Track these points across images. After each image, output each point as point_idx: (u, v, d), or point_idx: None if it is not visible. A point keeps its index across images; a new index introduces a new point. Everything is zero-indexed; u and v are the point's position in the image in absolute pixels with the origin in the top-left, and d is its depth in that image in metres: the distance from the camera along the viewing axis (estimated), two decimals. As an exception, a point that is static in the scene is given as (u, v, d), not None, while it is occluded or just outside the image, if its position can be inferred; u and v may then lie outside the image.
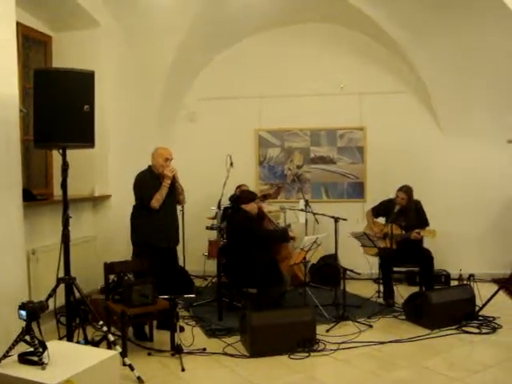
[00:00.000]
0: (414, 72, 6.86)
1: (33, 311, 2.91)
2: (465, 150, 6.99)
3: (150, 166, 4.96)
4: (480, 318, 5.01)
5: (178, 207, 5.38)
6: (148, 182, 4.84)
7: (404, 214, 5.84)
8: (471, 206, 6.96)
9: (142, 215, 4.87)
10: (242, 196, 5.58)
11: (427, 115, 7.12)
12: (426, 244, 5.95)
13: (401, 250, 5.75)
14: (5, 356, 2.88)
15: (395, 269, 5.96)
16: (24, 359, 2.87)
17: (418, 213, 5.92)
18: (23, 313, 2.90)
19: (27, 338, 2.90)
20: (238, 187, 6.66)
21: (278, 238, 5.47)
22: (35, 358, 2.81)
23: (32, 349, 2.86)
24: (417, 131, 7.13)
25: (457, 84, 6.68)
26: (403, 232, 5.80)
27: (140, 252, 4.82)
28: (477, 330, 4.77)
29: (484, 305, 5.09)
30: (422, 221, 5.87)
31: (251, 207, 5.35)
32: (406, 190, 5.88)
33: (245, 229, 5.22)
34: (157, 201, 4.76)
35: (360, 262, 6.08)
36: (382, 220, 6.16)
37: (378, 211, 6.17)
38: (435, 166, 7.05)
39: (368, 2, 6.18)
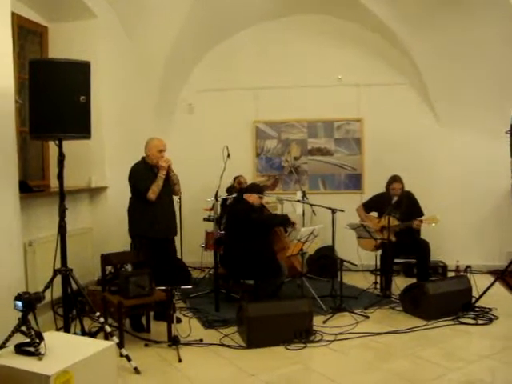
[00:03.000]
0: (412, 64, 6.84)
1: (29, 302, 2.91)
2: (462, 141, 6.99)
3: (143, 158, 4.94)
4: (476, 309, 5.03)
5: (175, 198, 5.37)
6: (143, 173, 4.82)
7: (397, 205, 5.84)
8: (468, 197, 6.97)
9: (138, 208, 4.85)
10: (251, 187, 5.55)
11: (425, 107, 7.11)
12: (424, 235, 5.95)
13: (399, 242, 5.76)
14: (1, 347, 2.88)
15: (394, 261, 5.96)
16: (20, 350, 2.86)
17: (412, 203, 5.93)
18: (19, 303, 2.90)
19: (24, 328, 2.90)
20: (236, 178, 6.66)
21: (281, 222, 5.48)
22: (32, 349, 2.81)
23: (28, 340, 2.86)
24: (414, 123, 7.12)
25: (454, 75, 6.67)
26: (400, 223, 5.81)
27: (139, 244, 4.81)
28: (473, 321, 4.78)
29: (480, 296, 5.10)
30: (416, 211, 5.88)
31: (254, 199, 5.33)
32: (399, 178, 5.93)
33: (247, 215, 5.20)
34: (153, 192, 4.74)
35: (357, 253, 6.08)
36: (374, 214, 6.16)
37: (369, 206, 6.18)
38: (433, 158, 7.06)
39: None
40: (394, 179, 5.94)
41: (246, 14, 6.94)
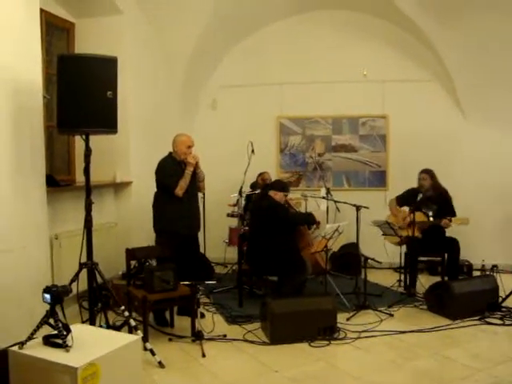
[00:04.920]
0: (438, 60, 6.76)
1: (57, 295, 2.94)
2: (488, 138, 6.89)
3: (170, 153, 4.94)
4: (503, 309, 4.95)
5: (200, 194, 5.38)
6: (171, 168, 4.82)
7: (431, 201, 5.75)
8: (495, 195, 6.87)
9: (164, 203, 4.86)
10: (276, 184, 5.54)
11: (451, 103, 7.03)
12: (449, 234, 5.87)
13: (426, 239, 5.68)
14: (29, 338, 2.91)
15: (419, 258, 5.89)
16: (48, 341, 2.89)
17: (446, 202, 5.81)
18: (47, 296, 2.93)
19: (51, 321, 2.93)
20: (260, 174, 6.66)
21: (306, 221, 5.47)
22: (59, 341, 2.84)
23: (56, 332, 2.89)
24: (440, 119, 7.04)
25: (481, 72, 6.58)
26: (430, 219, 5.70)
27: (163, 240, 4.82)
28: (500, 322, 4.71)
29: (507, 296, 5.01)
30: (448, 211, 5.76)
31: (280, 197, 5.32)
32: (427, 170, 5.84)
33: (274, 212, 5.19)
34: (181, 188, 4.75)
35: (381, 250, 6.03)
36: (406, 209, 6.06)
37: (402, 200, 6.06)
38: (458, 155, 6.97)
39: (393, -12, 6.10)
40: (421, 171, 5.87)
41: (271, 8, 6.92)
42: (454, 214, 5.75)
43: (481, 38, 6.29)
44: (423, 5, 6.17)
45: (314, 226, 5.53)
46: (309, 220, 5.43)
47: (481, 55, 6.44)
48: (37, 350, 2.84)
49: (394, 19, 6.78)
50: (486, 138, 6.89)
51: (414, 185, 5.94)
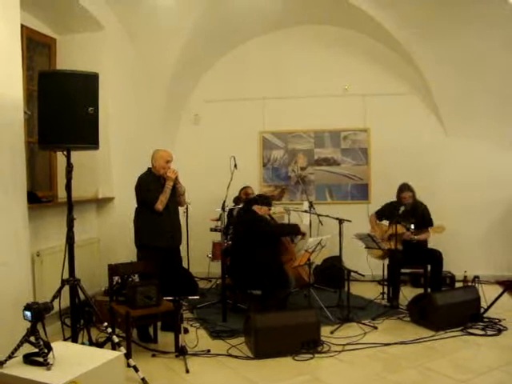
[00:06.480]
0: (418, 73, 6.86)
1: (38, 312, 2.91)
2: (469, 151, 6.98)
3: (149, 169, 4.95)
4: (485, 319, 4.99)
5: (182, 209, 5.38)
6: (151, 184, 4.82)
7: (408, 214, 5.81)
8: (476, 208, 6.95)
9: (145, 218, 4.85)
10: (260, 198, 5.55)
11: (432, 117, 7.12)
12: (432, 245, 5.93)
13: (409, 251, 5.73)
14: (10, 357, 2.87)
15: (401, 270, 5.93)
16: (29, 360, 2.87)
17: (423, 215, 5.89)
18: (28, 313, 2.90)
19: (32, 338, 2.90)
20: (243, 189, 6.66)
21: (291, 231, 5.50)
22: (40, 359, 2.81)
23: (37, 350, 2.86)
24: (421, 133, 7.12)
25: (462, 85, 6.67)
26: (412, 236, 5.74)
27: (145, 255, 4.81)
28: (482, 332, 4.74)
29: (489, 307, 5.06)
30: (426, 222, 5.84)
31: (264, 211, 5.34)
32: (408, 187, 5.90)
33: (258, 226, 5.21)
34: (161, 203, 4.75)
35: (364, 263, 6.06)
36: (385, 223, 6.13)
37: (381, 214, 6.14)
38: (440, 168, 7.04)
39: (372, 4, 6.18)
40: (404, 188, 5.92)
41: (252, 24, 6.97)
42: (431, 223, 5.83)
43: (460, 52, 6.37)
44: (403, 20, 6.26)
45: (300, 236, 5.56)
46: (294, 230, 5.46)
47: (460, 69, 6.53)
48: (17, 369, 2.81)
49: (375, 34, 6.87)
50: (467, 150, 6.99)
51: (394, 199, 6.00)
